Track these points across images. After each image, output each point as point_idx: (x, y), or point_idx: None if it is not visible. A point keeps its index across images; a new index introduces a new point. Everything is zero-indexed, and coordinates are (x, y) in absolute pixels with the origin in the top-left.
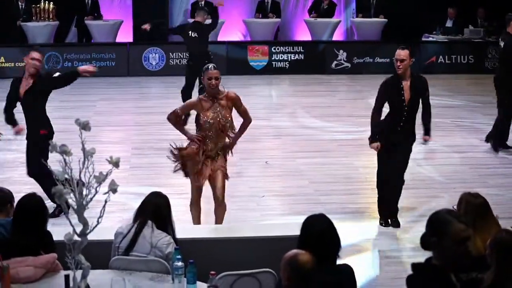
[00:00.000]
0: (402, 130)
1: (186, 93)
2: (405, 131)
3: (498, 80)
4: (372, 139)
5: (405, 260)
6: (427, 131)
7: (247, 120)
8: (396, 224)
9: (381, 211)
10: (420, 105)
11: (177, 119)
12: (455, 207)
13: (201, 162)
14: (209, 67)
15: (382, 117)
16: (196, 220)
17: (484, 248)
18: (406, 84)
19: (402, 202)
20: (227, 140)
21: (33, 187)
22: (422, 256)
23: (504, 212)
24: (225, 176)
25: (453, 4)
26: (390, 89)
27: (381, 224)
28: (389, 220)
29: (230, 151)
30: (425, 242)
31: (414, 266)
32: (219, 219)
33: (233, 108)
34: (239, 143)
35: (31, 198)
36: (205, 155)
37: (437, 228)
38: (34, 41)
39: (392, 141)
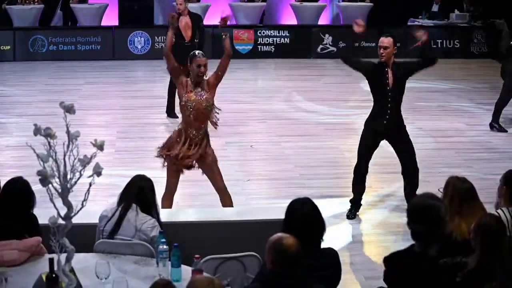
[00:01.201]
0: (390, 122)
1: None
2: (393, 123)
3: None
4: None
5: (388, 245)
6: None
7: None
8: None
9: (353, 204)
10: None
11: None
12: (441, 190)
13: (182, 153)
14: (197, 53)
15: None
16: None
17: (469, 232)
18: (389, 71)
19: (388, 187)
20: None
21: (19, 170)
22: (405, 240)
23: (490, 197)
24: (216, 163)
25: None
26: (375, 72)
27: (348, 216)
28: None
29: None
30: (417, 233)
31: (395, 256)
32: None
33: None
34: (224, 126)
35: (17, 182)
36: (189, 143)
37: (427, 215)
38: (19, 24)
39: (381, 132)
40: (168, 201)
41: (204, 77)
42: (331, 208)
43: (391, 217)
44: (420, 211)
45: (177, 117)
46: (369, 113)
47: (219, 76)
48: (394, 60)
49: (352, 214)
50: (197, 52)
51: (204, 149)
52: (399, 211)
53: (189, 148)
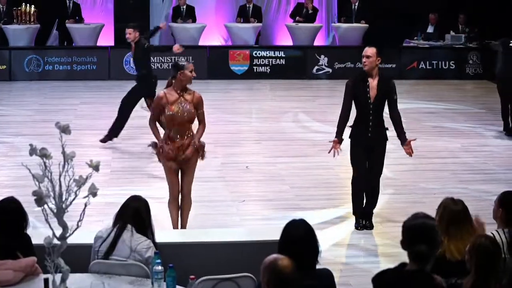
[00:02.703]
0: (373, 134)
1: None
2: (376, 134)
3: None
4: (336, 136)
5: (384, 266)
6: (403, 140)
7: (203, 124)
8: (371, 226)
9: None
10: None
11: (155, 121)
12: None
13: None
14: (182, 61)
15: (351, 123)
16: (175, 219)
17: (459, 253)
18: (372, 82)
19: (383, 207)
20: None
21: (12, 190)
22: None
23: (484, 218)
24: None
25: (434, 10)
26: (356, 85)
27: (356, 227)
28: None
29: (200, 156)
30: (421, 253)
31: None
32: (185, 215)
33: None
34: (219, 147)
35: (9, 202)
36: (176, 149)
37: (429, 236)
38: (15, 44)
39: (366, 145)
40: (174, 205)
41: (190, 90)
42: (326, 229)
43: (386, 238)
44: (423, 232)
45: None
46: (352, 125)
47: (199, 109)
48: (379, 72)
49: (360, 225)
50: (179, 61)
51: (189, 154)
52: (397, 232)
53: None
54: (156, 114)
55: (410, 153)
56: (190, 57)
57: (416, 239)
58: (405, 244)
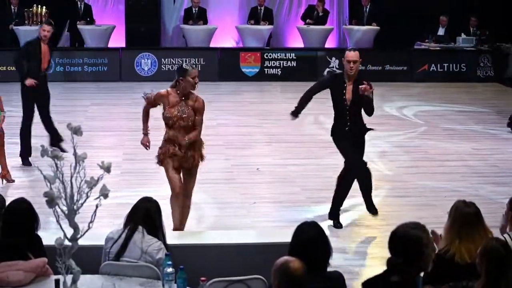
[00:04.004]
0: (352, 128)
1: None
2: (355, 129)
3: None
4: (292, 111)
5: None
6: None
7: (198, 131)
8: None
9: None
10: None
11: (148, 106)
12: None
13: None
14: (187, 66)
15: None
16: (177, 218)
17: (470, 256)
18: (349, 85)
19: (393, 210)
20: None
21: (24, 191)
22: None
23: (495, 221)
24: (197, 168)
25: (445, 12)
26: (335, 84)
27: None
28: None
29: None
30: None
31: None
32: (182, 222)
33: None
34: (230, 149)
35: (20, 203)
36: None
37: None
38: None
39: (348, 142)
40: (177, 202)
41: (193, 95)
42: (337, 231)
43: None
44: (401, 242)
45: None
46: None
47: (198, 115)
48: (357, 76)
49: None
50: (185, 65)
51: (191, 158)
52: None
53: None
54: (151, 105)
55: (365, 88)
56: (202, 59)
57: (395, 249)
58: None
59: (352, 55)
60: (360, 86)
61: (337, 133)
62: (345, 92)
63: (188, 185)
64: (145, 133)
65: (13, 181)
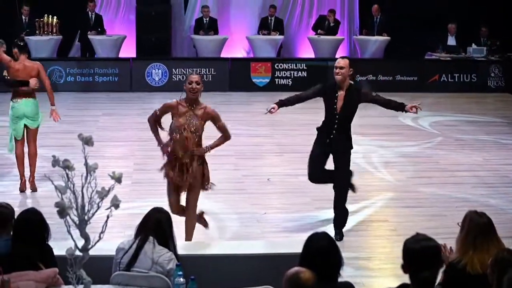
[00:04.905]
0: (334, 141)
1: None
2: (336, 142)
3: None
4: (277, 102)
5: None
6: (403, 106)
7: (224, 136)
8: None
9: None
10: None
11: (155, 121)
12: (460, 223)
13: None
14: (191, 73)
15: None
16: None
17: (483, 266)
18: (341, 94)
19: (404, 220)
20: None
21: (34, 201)
22: None
23: (506, 231)
24: (201, 188)
25: (455, 21)
26: (327, 92)
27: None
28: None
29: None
30: (425, 279)
31: None
32: (188, 234)
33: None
34: (241, 159)
35: (31, 213)
36: (179, 166)
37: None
38: (37, 55)
39: (325, 151)
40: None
41: (200, 105)
42: (348, 242)
43: None
44: (426, 257)
45: None
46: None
47: (215, 123)
48: (350, 83)
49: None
50: (191, 73)
51: (193, 174)
52: None
53: (181, 171)
54: (158, 116)
55: (416, 107)
56: (212, 69)
57: (419, 265)
58: (406, 268)
59: (340, 61)
60: (411, 106)
61: (317, 141)
62: (336, 101)
63: (189, 200)
64: (161, 142)
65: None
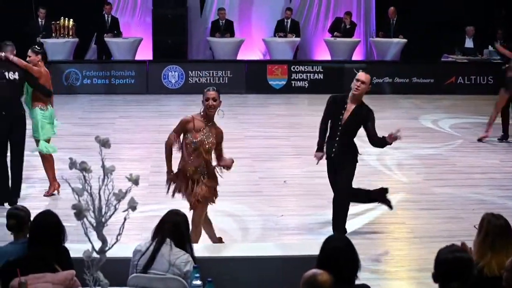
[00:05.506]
0: (337, 153)
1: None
2: (340, 154)
3: None
4: (317, 149)
5: (424, 281)
6: (383, 138)
7: (219, 160)
8: None
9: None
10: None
11: (171, 147)
12: (477, 226)
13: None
14: (209, 88)
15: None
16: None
17: (499, 269)
18: (350, 106)
19: (422, 223)
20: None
21: (50, 203)
22: None
23: None
24: (206, 203)
25: (472, 24)
26: (336, 101)
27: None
28: None
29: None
30: None
31: None
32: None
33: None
34: (257, 161)
35: (47, 215)
36: (191, 180)
37: (460, 271)
38: (54, 58)
39: (331, 161)
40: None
41: (217, 115)
42: (364, 244)
43: (424, 253)
44: (457, 268)
45: None
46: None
47: (219, 144)
48: (362, 101)
49: None
50: (210, 87)
51: (202, 192)
52: (436, 248)
53: (192, 188)
54: (177, 136)
55: (395, 136)
56: (229, 72)
57: (450, 276)
58: (437, 278)
59: (361, 75)
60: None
61: (326, 151)
62: (343, 112)
63: (193, 217)
64: (170, 171)
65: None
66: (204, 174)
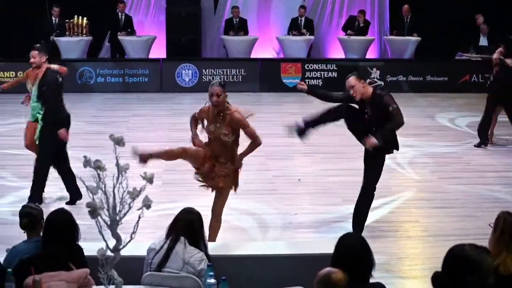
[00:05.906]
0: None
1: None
2: (365, 152)
3: None
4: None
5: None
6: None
7: (253, 142)
8: None
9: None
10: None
11: (195, 118)
12: (492, 225)
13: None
14: (213, 82)
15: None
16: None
17: None
18: (366, 105)
19: (435, 221)
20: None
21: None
22: None
23: None
24: (226, 190)
25: (487, 22)
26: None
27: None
28: None
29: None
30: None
31: None
32: (212, 235)
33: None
34: (271, 160)
35: (60, 213)
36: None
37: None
38: (67, 56)
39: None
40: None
41: (231, 107)
42: (379, 243)
43: (438, 252)
44: (475, 264)
45: None
46: None
47: (243, 129)
48: (372, 93)
49: None
50: (214, 81)
51: (221, 177)
52: (448, 245)
53: (213, 165)
54: (196, 118)
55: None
56: (242, 70)
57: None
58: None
59: (347, 82)
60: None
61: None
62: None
63: (215, 204)
64: (195, 134)
65: None
66: (218, 162)
